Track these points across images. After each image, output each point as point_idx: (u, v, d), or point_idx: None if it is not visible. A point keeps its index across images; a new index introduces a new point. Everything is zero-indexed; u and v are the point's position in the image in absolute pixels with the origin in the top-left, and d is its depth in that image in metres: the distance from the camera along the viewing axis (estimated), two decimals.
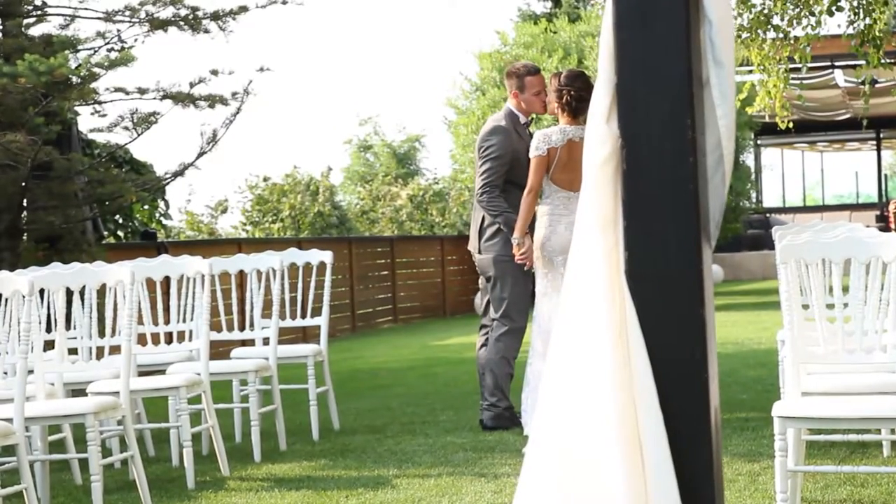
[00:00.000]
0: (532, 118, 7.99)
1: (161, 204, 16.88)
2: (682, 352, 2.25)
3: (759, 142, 31.24)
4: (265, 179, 24.20)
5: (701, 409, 2.24)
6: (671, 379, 2.25)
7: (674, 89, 2.30)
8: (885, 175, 34.05)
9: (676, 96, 2.30)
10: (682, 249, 2.27)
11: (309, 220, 23.28)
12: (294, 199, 23.59)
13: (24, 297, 5.46)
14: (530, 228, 7.39)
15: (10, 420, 5.36)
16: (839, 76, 22.49)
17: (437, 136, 55.41)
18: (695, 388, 2.23)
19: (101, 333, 6.51)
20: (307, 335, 15.42)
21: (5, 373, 5.83)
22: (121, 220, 15.38)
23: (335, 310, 16.98)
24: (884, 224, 27.44)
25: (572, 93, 7.16)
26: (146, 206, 16.37)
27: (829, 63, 20.89)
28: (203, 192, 60.65)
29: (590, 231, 2.31)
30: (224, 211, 23.71)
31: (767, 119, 22.46)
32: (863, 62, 11.14)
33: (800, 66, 11.81)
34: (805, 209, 33.45)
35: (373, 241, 20.79)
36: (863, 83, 12.28)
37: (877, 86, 12.78)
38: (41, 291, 6.73)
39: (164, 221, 17.70)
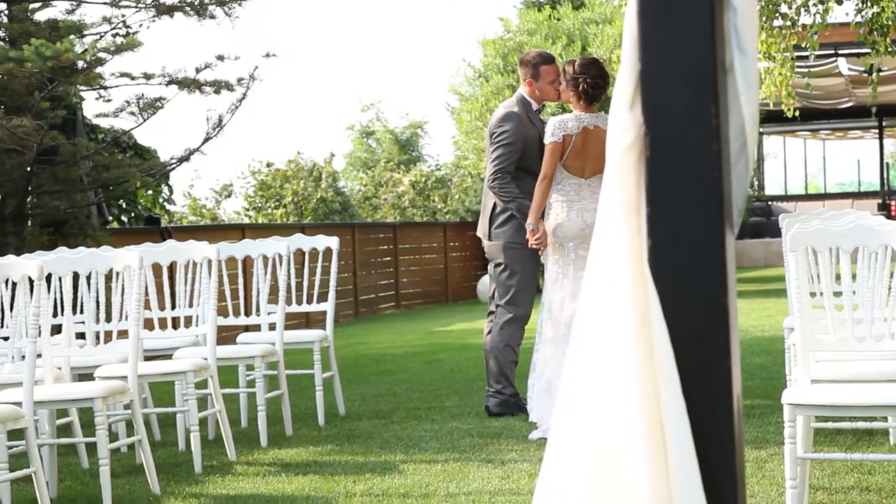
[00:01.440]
0: (543, 105, 7.97)
1: (165, 189, 16.89)
2: (705, 339, 2.27)
3: (761, 129, 31.23)
4: (268, 165, 24.18)
5: (724, 396, 2.25)
6: (694, 366, 2.26)
7: (698, 76, 2.31)
8: (887, 163, 34.00)
9: (700, 84, 2.31)
10: (706, 237, 2.28)
11: (312, 206, 23.28)
12: (297, 184, 23.58)
13: (33, 281, 5.46)
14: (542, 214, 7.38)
15: (19, 404, 5.37)
16: (843, 64, 22.46)
17: (439, 123, 55.31)
18: (718, 375, 2.25)
19: (108, 318, 6.51)
20: (310, 320, 15.44)
21: (13, 357, 5.84)
22: (124, 205, 15.38)
23: (338, 295, 16.98)
24: (886, 212, 27.43)
25: (588, 80, 7.13)
26: (150, 191, 16.37)
27: (833, 51, 20.86)
28: (206, 176, 60.64)
29: (613, 219, 2.32)
30: (229, 195, 23.71)
31: (771, 107, 22.51)
32: (869, 50, 11.13)
33: (806, 54, 11.80)
34: (807, 197, 33.47)
35: (375, 227, 20.78)
36: (869, 72, 12.27)
37: (880, 74, 12.75)
38: (48, 276, 6.74)
39: (168, 206, 17.70)
